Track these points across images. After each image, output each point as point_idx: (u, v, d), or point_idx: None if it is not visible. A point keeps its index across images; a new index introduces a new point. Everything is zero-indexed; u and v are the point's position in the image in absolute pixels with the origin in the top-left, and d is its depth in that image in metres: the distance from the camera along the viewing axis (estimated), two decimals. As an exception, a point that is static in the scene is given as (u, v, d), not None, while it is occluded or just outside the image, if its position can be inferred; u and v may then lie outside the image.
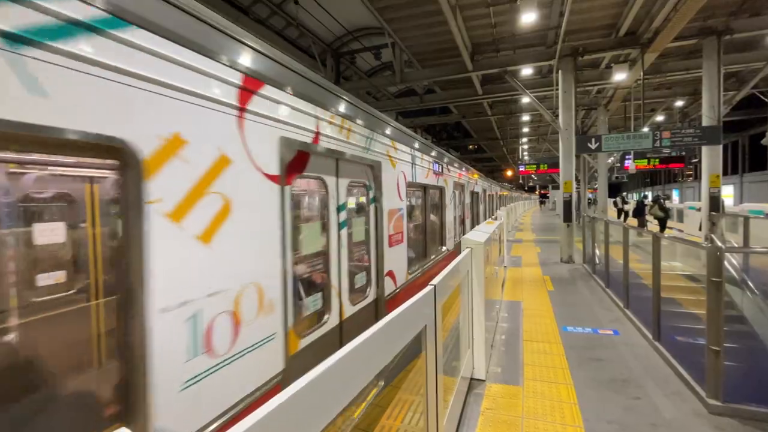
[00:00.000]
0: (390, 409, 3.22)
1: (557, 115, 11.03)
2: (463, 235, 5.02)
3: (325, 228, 3.07)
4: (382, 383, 2.90)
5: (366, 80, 15.34)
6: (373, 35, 13.61)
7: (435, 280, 2.25)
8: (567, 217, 10.47)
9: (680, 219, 18.48)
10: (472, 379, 3.80)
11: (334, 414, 1.10)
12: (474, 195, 11.66)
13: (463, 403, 3.38)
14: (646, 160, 16.24)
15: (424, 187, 6.03)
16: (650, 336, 4.64)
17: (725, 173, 13.56)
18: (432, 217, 6.59)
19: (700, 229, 12.38)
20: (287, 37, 13.12)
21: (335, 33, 13.51)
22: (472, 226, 10.58)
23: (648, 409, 3.30)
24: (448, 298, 2.66)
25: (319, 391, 1.03)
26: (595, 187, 23.37)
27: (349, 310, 3.33)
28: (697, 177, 38.25)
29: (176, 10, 1.74)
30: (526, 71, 12.47)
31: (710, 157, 10.68)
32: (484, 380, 3.82)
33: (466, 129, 26.12)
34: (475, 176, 12.28)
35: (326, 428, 1.05)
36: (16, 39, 1.17)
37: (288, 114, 2.45)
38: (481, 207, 13.57)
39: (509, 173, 40.66)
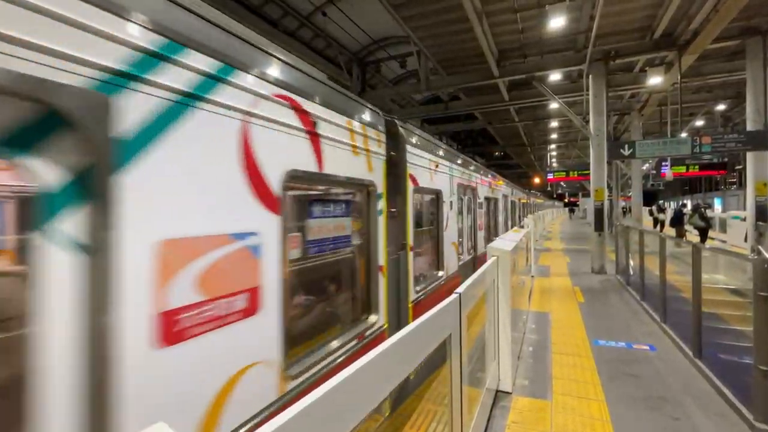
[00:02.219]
0: (414, 417, 3.19)
1: (587, 121, 10.71)
2: (507, 229, 9.53)
3: (461, 216, 6.45)
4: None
5: (391, 88, 15.47)
6: (398, 44, 13.74)
7: (460, 288, 2.23)
8: (599, 226, 10.10)
9: (723, 229, 17.42)
10: (498, 391, 3.70)
11: (359, 419, 1.10)
12: (513, 203, 15.42)
13: (489, 415, 3.29)
14: (684, 167, 15.41)
15: (488, 199, 9.36)
16: (690, 352, 4.38)
17: (773, 180, 12.65)
18: (491, 216, 10.20)
19: (745, 240, 11.63)
20: (315, 48, 13.45)
21: (361, 42, 13.74)
22: (513, 224, 14.63)
23: (688, 430, 3.10)
24: (474, 307, 2.62)
25: (344, 396, 1.03)
26: (629, 194, 22.41)
27: (466, 257, 6.75)
28: (741, 185, 36.05)
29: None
30: (555, 76, 12.21)
31: (756, 164, 10.04)
32: (510, 393, 3.71)
33: (492, 135, 25.77)
34: (501, 183, 12.26)
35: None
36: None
37: (455, 172, 6.07)
38: (517, 211, 18.02)
39: (537, 180, 39.69)
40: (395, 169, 3.69)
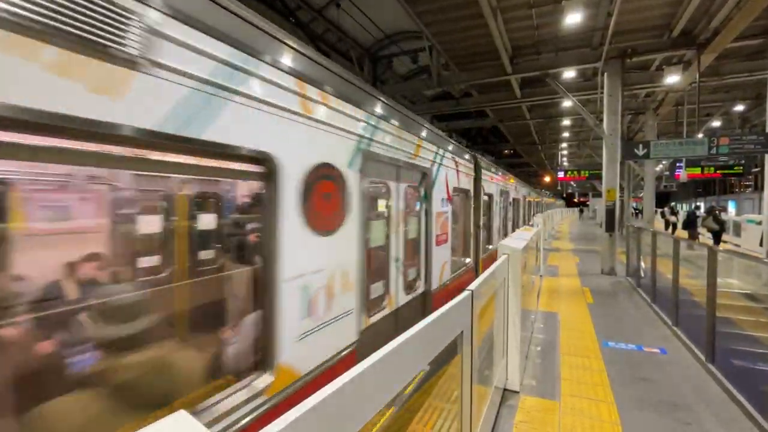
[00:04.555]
0: (420, 414, 3.18)
1: (601, 120, 10.53)
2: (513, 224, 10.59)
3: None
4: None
5: (402, 84, 15.39)
6: (410, 39, 13.63)
7: (472, 285, 2.21)
8: (610, 227, 9.96)
9: (737, 233, 17.07)
10: (505, 390, 3.68)
11: (370, 416, 1.09)
12: (514, 201, 13.91)
13: (496, 413, 3.28)
14: (699, 169, 15.04)
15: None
16: (702, 357, 4.31)
17: (792, 184, 12.35)
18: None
19: (761, 245, 11.39)
20: (327, 41, 13.41)
21: (374, 36, 13.66)
22: (524, 220, 14.08)
23: (700, 436, 3.05)
24: (483, 305, 2.60)
25: (354, 393, 1.02)
26: (640, 195, 22.05)
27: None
28: (757, 188, 35.28)
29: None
30: (569, 74, 12.01)
31: (775, 167, 9.81)
32: (518, 392, 3.69)
33: (502, 133, 25.52)
34: (512, 181, 12.18)
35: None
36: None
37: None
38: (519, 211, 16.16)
39: (547, 179, 39.28)
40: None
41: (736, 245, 16.03)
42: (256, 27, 1.97)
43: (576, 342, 5.07)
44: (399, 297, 3.71)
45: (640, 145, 9.95)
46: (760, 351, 3.38)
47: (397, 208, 3.71)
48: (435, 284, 4.61)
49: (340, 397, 0.95)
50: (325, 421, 0.89)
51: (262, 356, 2.00)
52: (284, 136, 2.11)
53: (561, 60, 10.60)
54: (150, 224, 2.17)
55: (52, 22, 1.16)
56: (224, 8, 1.77)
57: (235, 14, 1.83)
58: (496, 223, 8.99)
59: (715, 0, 8.03)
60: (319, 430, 0.87)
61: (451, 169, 5.43)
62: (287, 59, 2.15)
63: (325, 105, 2.49)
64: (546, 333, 5.43)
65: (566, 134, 23.34)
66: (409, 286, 4.01)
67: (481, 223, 7.21)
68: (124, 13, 1.34)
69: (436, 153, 4.82)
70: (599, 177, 11.94)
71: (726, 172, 15.07)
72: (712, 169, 14.67)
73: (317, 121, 2.39)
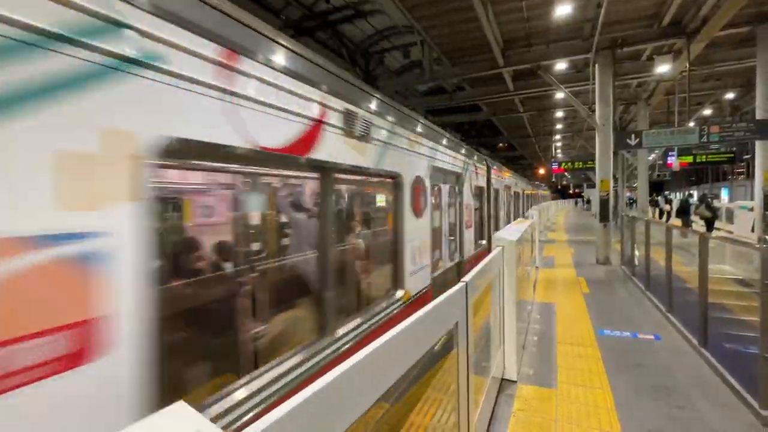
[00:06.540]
0: (420, 405, 3.22)
1: (593, 111, 10.59)
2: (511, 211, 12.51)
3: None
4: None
5: (395, 79, 15.36)
6: (402, 33, 13.58)
7: (467, 277, 2.24)
8: (604, 217, 10.04)
9: (730, 220, 17.25)
10: (502, 379, 3.73)
11: (365, 408, 1.10)
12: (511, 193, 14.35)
13: (494, 403, 3.33)
14: (691, 157, 15.16)
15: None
16: (695, 342, 4.38)
17: (782, 170, 12.47)
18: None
19: (752, 231, 11.53)
20: (318, 39, 13.33)
21: (365, 32, 13.59)
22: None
23: (694, 419, 3.12)
24: (479, 297, 2.63)
25: (350, 385, 1.03)
26: (634, 185, 22.22)
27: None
28: (749, 175, 35.64)
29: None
30: (561, 66, 12.04)
31: (765, 153, 9.92)
32: (515, 381, 3.74)
33: (496, 127, 25.54)
34: (507, 174, 12.26)
35: (355, 423, 1.04)
36: None
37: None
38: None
39: (542, 171, 39.43)
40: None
41: (730, 232, 16.21)
42: None
43: (572, 331, 5.14)
44: None
45: (633, 135, 10.02)
46: (751, 335, 3.45)
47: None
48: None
49: (334, 389, 0.95)
50: (318, 415, 0.90)
51: None
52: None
53: (552, 52, 10.63)
54: None
55: None
56: None
57: None
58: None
59: (703, -12, 8.08)
60: (312, 424, 0.88)
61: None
62: None
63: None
64: (542, 323, 5.49)
65: (559, 126, 23.43)
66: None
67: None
68: None
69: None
70: (593, 168, 12.01)
71: (703, 162, 15.19)
72: (703, 157, 14.79)
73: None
